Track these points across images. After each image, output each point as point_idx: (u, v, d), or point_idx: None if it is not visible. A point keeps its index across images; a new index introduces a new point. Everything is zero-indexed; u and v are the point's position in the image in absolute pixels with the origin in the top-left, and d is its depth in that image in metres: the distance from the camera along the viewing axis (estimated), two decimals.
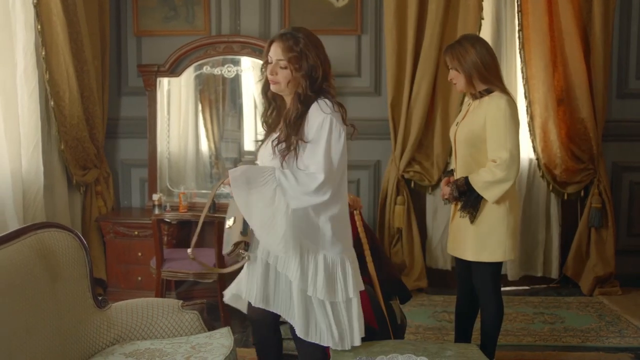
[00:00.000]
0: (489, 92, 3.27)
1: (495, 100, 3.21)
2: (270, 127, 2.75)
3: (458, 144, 3.38)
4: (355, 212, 3.32)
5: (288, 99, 2.66)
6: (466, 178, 3.25)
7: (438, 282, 5.25)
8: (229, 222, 2.77)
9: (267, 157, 2.68)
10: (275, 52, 2.58)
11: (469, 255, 3.34)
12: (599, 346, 4.08)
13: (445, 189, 3.42)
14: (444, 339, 4.17)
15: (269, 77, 2.61)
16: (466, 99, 3.67)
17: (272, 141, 2.62)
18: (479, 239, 3.28)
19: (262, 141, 2.78)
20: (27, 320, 2.40)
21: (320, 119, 2.53)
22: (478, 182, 3.21)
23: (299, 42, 2.56)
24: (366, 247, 3.26)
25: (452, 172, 3.53)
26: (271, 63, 2.60)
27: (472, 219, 3.27)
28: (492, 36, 5.08)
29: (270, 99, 2.73)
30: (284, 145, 2.57)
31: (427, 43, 4.91)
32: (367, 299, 3.01)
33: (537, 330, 4.36)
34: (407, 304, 3.67)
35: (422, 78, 4.95)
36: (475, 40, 3.35)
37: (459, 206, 3.35)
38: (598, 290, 5.04)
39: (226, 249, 2.75)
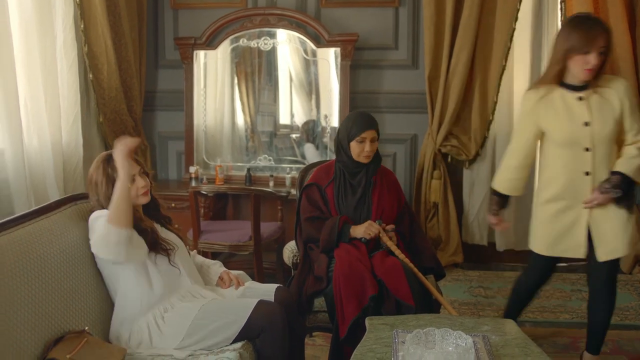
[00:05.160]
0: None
1: (617, 83, 2.99)
2: None
3: (598, 144, 3.01)
4: (380, 234, 3.17)
5: None
6: (619, 174, 2.98)
7: (474, 257, 5.22)
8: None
9: None
10: None
11: (624, 249, 3.07)
12: (637, 324, 4.02)
13: (600, 197, 3.00)
14: (480, 314, 4.15)
15: None
16: (542, 92, 3.08)
17: None
18: (627, 231, 3.06)
19: None
20: (71, 286, 2.45)
21: None
22: (634, 170, 2.97)
23: None
24: (394, 248, 3.17)
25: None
26: None
27: (631, 209, 3.04)
28: (533, 6, 4.96)
29: None
30: None
31: (466, 14, 4.81)
32: (403, 276, 2.99)
33: (575, 307, 4.31)
34: (442, 279, 3.63)
35: (461, 50, 4.86)
36: None
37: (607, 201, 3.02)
38: (638, 268, 4.95)
39: None
